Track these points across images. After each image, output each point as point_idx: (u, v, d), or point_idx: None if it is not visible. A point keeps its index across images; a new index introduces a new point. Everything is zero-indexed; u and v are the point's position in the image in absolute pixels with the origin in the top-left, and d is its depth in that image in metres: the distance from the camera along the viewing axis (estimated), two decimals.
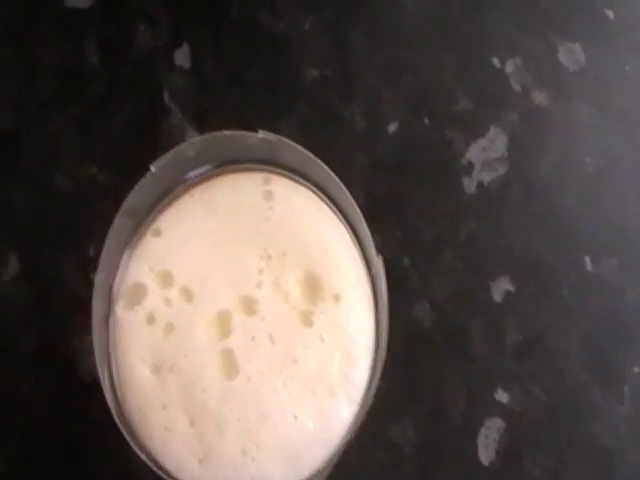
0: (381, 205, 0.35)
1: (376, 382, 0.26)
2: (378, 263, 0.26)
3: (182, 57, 0.36)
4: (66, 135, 0.34)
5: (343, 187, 0.26)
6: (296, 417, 0.26)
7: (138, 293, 0.26)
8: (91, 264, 0.33)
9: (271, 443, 0.26)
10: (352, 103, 0.35)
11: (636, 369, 0.36)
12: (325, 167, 0.26)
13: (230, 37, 0.36)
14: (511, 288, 0.35)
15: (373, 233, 0.36)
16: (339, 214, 0.28)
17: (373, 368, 0.26)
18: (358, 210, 0.26)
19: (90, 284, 0.33)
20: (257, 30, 0.36)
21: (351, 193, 0.27)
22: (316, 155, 0.27)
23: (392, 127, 0.36)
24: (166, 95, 0.34)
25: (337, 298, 0.27)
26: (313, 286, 0.27)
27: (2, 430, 0.33)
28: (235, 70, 0.34)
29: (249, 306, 0.26)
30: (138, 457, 0.25)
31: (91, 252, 0.34)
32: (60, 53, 0.35)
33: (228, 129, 0.27)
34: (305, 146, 0.27)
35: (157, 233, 0.27)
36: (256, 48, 0.35)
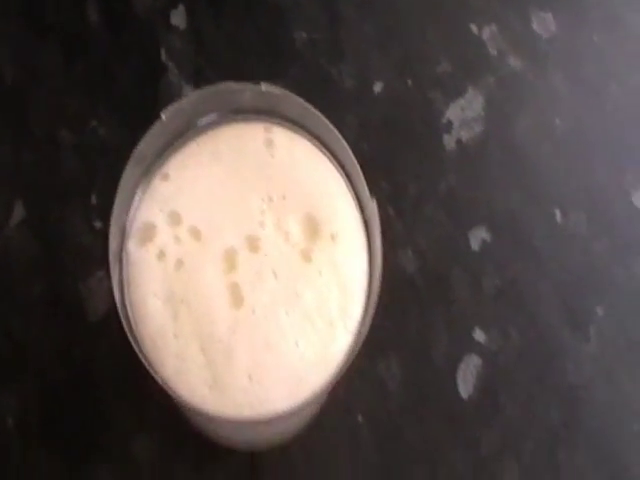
0: (368, 160, 0.37)
1: (370, 315, 0.28)
2: (372, 207, 0.28)
3: (178, 18, 0.38)
4: (69, 92, 0.36)
5: (340, 137, 0.29)
6: (297, 345, 0.28)
7: (149, 232, 0.28)
8: (94, 212, 0.35)
9: (275, 369, 0.28)
10: (340, 65, 0.38)
11: (600, 311, 0.39)
12: (324, 119, 0.29)
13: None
14: (487, 238, 0.38)
15: None
16: (336, 162, 0.30)
17: (367, 302, 0.29)
18: (354, 158, 0.29)
19: (93, 231, 0.35)
20: None
21: None
22: None
23: (377, 87, 0.38)
24: (163, 54, 0.36)
25: (334, 238, 0.29)
26: (311, 226, 0.29)
27: (14, 371, 0.35)
28: (229, 32, 0.37)
29: (253, 244, 0.28)
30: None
31: (93, 201, 0.36)
32: (64, 14, 0.37)
33: None
34: None
35: (165, 177, 0.29)
36: (250, 11, 0.38)
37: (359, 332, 0.28)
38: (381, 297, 0.37)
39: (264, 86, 0.28)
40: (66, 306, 0.35)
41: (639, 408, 0.38)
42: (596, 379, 0.38)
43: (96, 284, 0.34)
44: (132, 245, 0.28)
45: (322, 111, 0.30)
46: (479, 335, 0.38)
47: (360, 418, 0.36)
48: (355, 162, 0.29)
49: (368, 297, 0.29)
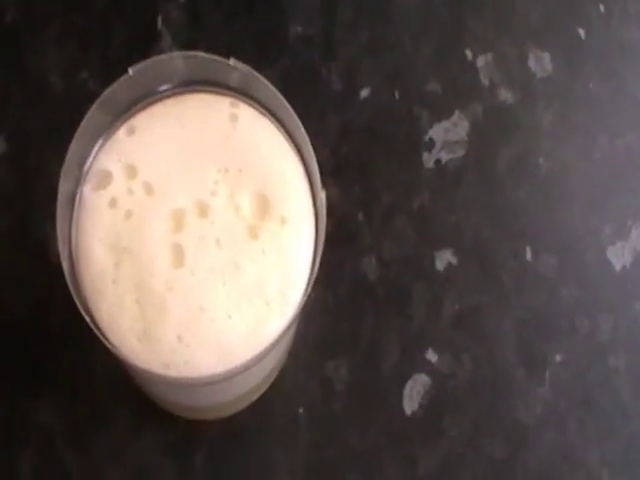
0: (344, 162, 0.38)
1: (303, 300, 0.28)
2: (321, 198, 0.28)
3: None
4: (65, 41, 0.37)
5: (301, 126, 0.29)
6: (230, 317, 0.28)
7: (104, 179, 0.28)
8: None
9: (205, 335, 0.27)
10: (331, 64, 0.38)
11: (558, 358, 0.38)
12: (288, 106, 0.29)
13: None
14: (454, 261, 0.38)
15: (333, 185, 0.38)
16: (295, 149, 0.30)
17: (306, 290, 0.28)
18: (311, 149, 0.29)
19: None
20: None
21: (317, 145, 0.29)
22: (291, 106, 0.29)
23: (364, 93, 0.39)
24: (160, 22, 0.37)
25: (283, 220, 0.29)
26: (263, 205, 0.29)
27: None
28: (227, 13, 0.37)
29: (202, 210, 0.28)
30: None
31: None
32: None
33: None
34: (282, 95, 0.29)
35: (129, 131, 0.29)
36: None
37: (295, 317, 0.28)
38: (340, 300, 0.37)
39: (233, 61, 0.29)
40: (32, 243, 0.36)
41: (582, 460, 0.37)
42: (545, 423, 0.37)
43: None
44: (86, 189, 0.28)
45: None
46: (432, 355, 0.37)
47: (301, 410, 0.36)
48: (313, 154, 0.29)
49: (307, 285, 0.28)
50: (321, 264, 0.37)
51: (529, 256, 0.39)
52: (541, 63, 0.41)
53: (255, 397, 0.36)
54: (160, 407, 0.36)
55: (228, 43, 0.37)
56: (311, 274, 0.28)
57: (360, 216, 0.38)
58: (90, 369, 0.36)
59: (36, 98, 0.37)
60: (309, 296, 0.27)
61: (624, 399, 0.38)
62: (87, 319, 0.26)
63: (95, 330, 0.26)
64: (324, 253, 0.37)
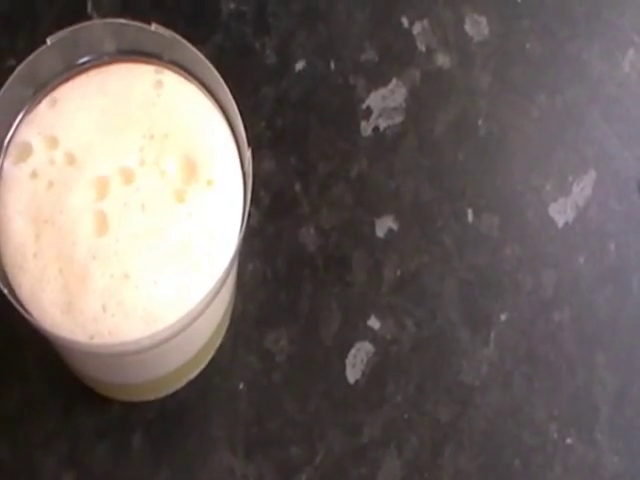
0: (280, 135, 0.38)
1: (235, 266, 0.28)
2: (248, 156, 0.28)
3: None
4: None
5: (226, 88, 0.29)
6: (156, 283, 0.27)
7: (25, 152, 0.28)
8: None
9: (130, 303, 0.27)
10: (264, 38, 0.38)
11: (502, 317, 0.38)
12: (213, 69, 0.29)
13: None
14: (394, 226, 0.38)
15: (269, 157, 0.38)
16: (221, 112, 0.30)
17: (235, 252, 0.28)
18: (237, 110, 0.29)
19: None
20: None
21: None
22: (225, 82, 0.29)
23: (299, 65, 0.39)
24: (90, 6, 0.37)
25: (210, 183, 0.29)
26: (189, 169, 0.29)
27: None
28: None
29: (126, 177, 0.28)
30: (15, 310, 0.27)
31: None
32: None
33: None
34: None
35: (51, 103, 0.29)
36: None
37: (222, 280, 0.28)
38: (278, 271, 0.37)
39: (155, 26, 0.29)
40: None
41: (530, 417, 0.37)
42: (490, 383, 0.37)
43: None
44: (6, 163, 0.28)
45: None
46: (374, 322, 0.37)
47: (242, 386, 0.36)
48: (239, 117, 0.29)
49: (236, 247, 0.28)
50: (259, 236, 0.37)
51: (470, 217, 0.39)
52: (478, 27, 0.41)
53: (193, 375, 0.36)
54: (96, 392, 0.36)
55: (160, 24, 0.37)
56: (240, 235, 0.28)
57: (297, 187, 0.38)
58: (19, 355, 0.35)
59: None
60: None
61: (569, 353, 0.38)
62: (5, 291, 0.26)
63: (15, 304, 0.26)
64: (263, 226, 0.38)
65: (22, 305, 0.27)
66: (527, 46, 0.41)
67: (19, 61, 0.37)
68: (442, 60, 0.40)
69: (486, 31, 0.41)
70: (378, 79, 0.39)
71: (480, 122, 0.40)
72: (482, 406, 0.37)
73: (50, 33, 0.37)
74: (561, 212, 0.39)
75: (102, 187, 0.28)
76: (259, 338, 0.36)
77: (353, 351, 0.37)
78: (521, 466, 0.37)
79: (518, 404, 0.37)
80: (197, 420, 0.36)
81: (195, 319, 0.28)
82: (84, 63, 0.30)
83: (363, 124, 0.39)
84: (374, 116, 0.39)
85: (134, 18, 0.39)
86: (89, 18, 0.37)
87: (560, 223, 0.39)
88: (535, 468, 0.37)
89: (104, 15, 0.37)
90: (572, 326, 0.38)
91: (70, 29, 0.28)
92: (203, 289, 0.28)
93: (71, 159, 0.28)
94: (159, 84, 0.30)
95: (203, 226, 0.28)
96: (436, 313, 0.38)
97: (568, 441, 0.37)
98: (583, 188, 0.40)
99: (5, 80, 0.36)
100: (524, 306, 0.38)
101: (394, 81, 0.39)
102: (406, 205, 0.38)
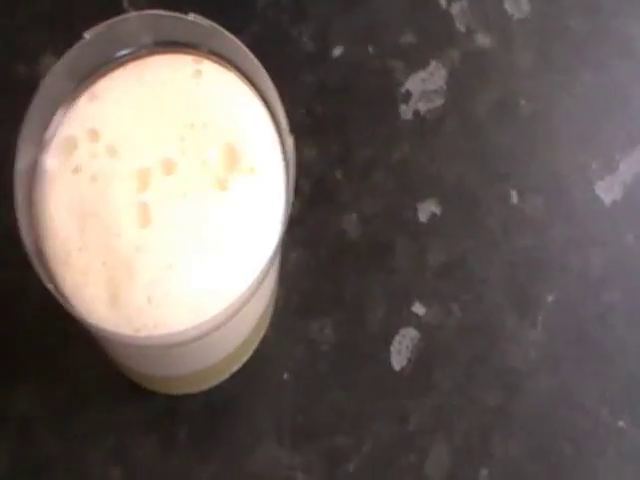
0: (320, 122, 0.38)
1: (278, 254, 0.28)
2: (289, 143, 0.28)
3: None
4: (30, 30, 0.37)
5: (266, 75, 0.28)
6: (200, 272, 0.27)
7: (67, 147, 0.28)
8: None
9: (175, 293, 0.27)
10: (301, 25, 0.38)
11: (550, 298, 0.37)
12: (252, 57, 0.29)
13: None
14: (437, 211, 0.37)
15: (310, 146, 0.38)
16: (261, 100, 0.30)
17: (279, 240, 0.28)
18: (277, 97, 0.28)
19: None
20: None
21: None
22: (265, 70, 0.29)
23: (337, 52, 0.38)
24: (125, 1, 0.37)
25: (252, 171, 0.29)
26: (231, 157, 0.28)
27: None
28: None
29: (168, 167, 0.28)
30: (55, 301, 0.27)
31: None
32: None
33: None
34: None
35: (91, 97, 0.29)
36: None
37: (266, 268, 0.28)
38: (322, 260, 0.37)
39: (192, 16, 0.29)
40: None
41: (581, 401, 0.36)
42: (539, 367, 0.37)
43: None
44: (49, 159, 0.29)
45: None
46: (419, 308, 0.37)
47: (287, 376, 0.35)
48: (278, 100, 0.29)
49: (281, 235, 0.28)
50: (300, 225, 0.37)
51: (515, 199, 0.38)
52: (518, 4, 0.40)
53: (236, 367, 0.36)
54: (141, 387, 0.36)
55: (194, 12, 0.37)
56: (284, 223, 0.28)
57: (338, 174, 0.37)
58: (67, 353, 0.36)
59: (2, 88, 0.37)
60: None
61: (621, 334, 0.37)
62: (50, 287, 0.26)
63: (60, 299, 0.26)
64: (304, 214, 0.37)
65: (67, 300, 0.28)
66: (571, 23, 0.40)
67: (58, 56, 0.37)
68: (482, 40, 0.39)
69: (527, 8, 0.40)
70: (417, 62, 0.39)
71: (523, 102, 0.39)
72: (531, 391, 0.36)
73: (87, 28, 0.37)
74: (608, 190, 0.39)
75: (144, 178, 0.28)
76: (303, 327, 0.36)
77: (398, 337, 0.36)
78: (573, 451, 0.36)
79: (568, 388, 0.37)
80: (243, 412, 0.36)
81: (240, 309, 0.28)
82: (122, 56, 0.30)
83: (403, 108, 0.38)
84: (414, 99, 0.38)
85: (169, 10, 0.39)
86: (125, 12, 0.37)
87: (607, 201, 0.39)
88: (587, 453, 0.36)
89: (140, 8, 0.37)
90: (622, 306, 0.37)
91: (107, 23, 0.28)
92: (247, 278, 0.28)
93: (112, 152, 0.28)
94: (198, 73, 0.29)
95: (246, 214, 0.28)
96: (482, 297, 0.37)
97: (620, 424, 0.37)
98: (630, 165, 0.39)
99: (44, 76, 0.37)
100: (572, 287, 0.38)
101: (433, 63, 0.39)
102: (449, 189, 0.38)
